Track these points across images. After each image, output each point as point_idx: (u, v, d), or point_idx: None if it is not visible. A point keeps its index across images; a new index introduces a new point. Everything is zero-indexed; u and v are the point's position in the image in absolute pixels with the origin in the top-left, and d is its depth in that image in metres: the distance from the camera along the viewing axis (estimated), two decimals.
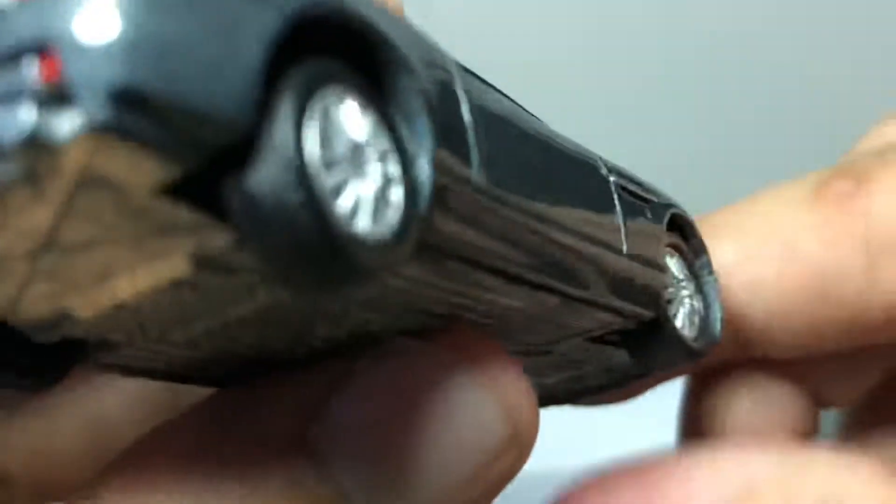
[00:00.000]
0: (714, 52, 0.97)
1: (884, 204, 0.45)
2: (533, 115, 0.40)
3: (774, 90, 0.97)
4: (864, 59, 0.96)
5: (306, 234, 0.24)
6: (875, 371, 0.52)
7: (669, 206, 0.43)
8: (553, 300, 0.37)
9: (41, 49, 0.22)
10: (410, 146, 0.28)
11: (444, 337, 0.36)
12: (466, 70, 0.35)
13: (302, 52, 0.26)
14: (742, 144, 0.98)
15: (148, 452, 0.36)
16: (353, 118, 0.27)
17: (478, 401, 0.35)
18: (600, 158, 0.40)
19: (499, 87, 0.38)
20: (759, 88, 0.97)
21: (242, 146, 0.24)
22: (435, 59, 0.31)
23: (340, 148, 0.26)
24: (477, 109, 0.32)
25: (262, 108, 0.25)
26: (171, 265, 0.27)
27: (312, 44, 0.27)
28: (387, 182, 0.27)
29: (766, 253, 0.47)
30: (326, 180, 0.25)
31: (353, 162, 0.26)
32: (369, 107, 0.27)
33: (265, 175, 0.24)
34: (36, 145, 0.23)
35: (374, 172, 0.27)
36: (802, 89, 0.97)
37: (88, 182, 0.24)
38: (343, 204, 0.26)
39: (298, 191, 0.24)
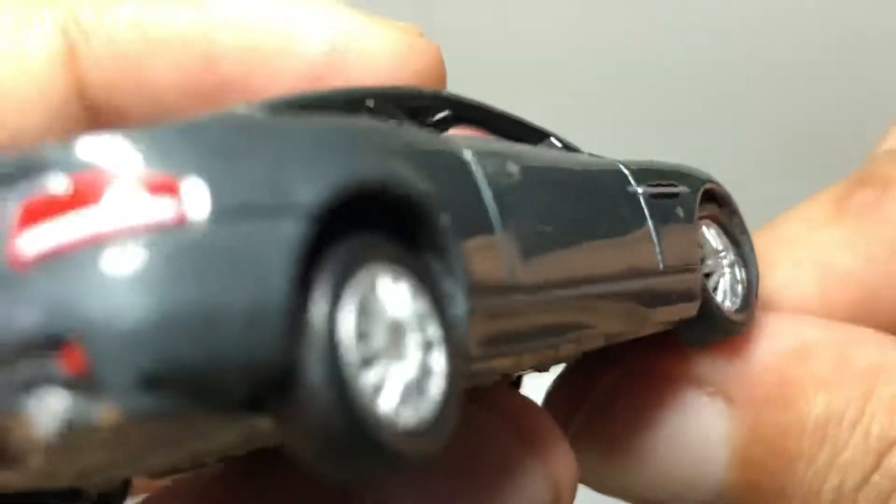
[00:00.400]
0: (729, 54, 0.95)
1: None
2: (548, 133, 0.38)
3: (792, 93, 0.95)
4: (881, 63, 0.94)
5: (352, 446, 0.24)
6: None
7: (700, 184, 0.42)
8: (597, 341, 0.36)
9: (64, 338, 0.21)
10: (446, 285, 0.27)
11: (495, 401, 0.36)
12: (477, 114, 0.33)
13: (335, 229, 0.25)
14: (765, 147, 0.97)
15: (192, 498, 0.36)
16: (390, 295, 0.26)
17: (530, 476, 0.36)
18: (627, 168, 0.38)
19: (508, 112, 0.37)
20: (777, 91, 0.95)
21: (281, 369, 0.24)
22: (454, 167, 0.29)
23: (379, 339, 0.25)
24: (501, 194, 0.31)
25: (296, 326, 0.24)
26: (218, 441, 0.27)
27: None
28: (428, 348, 0.26)
29: (803, 278, 0.46)
30: (366, 382, 0.24)
31: (393, 345, 0.25)
32: (403, 272, 0.26)
33: (304, 386, 0.24)
34: (72, 428, 0.22)
35: (414, 347, 0.26)
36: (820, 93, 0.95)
37: (130, 429, 0.23)
38: (385, 404, 0.25)
39: (340, 409, 0.24)
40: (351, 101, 0.32)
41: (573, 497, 0.37)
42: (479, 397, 0.36)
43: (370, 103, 0.32)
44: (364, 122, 0.28)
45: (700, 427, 0.41)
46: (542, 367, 0.39)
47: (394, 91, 0.34)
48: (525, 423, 0.37)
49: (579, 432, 0.41)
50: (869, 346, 0.42)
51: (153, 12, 0.37)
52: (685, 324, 0.40)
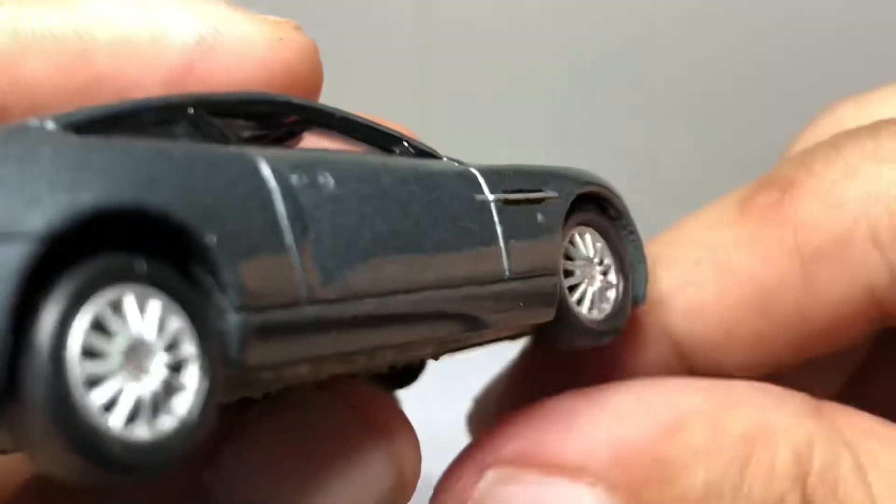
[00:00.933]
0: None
1: (811, 210, 0.44)
2: (401, 138, 0.39)
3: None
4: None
5: (75, 459, 0.25)
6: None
7: (574, 189, 0.42)
8: (428, 348, 0.37)
9: None
10: (215, 301, 0.29)
11: (341, 388, 0.38)
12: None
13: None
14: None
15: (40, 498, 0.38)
16: (134, 314, 0.27)
17: (371, 455, 0.37)
18: (483, 174, 0.39)
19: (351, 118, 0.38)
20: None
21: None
22: (242, 182, 0.30)
23: (115, 358, 0.26)
24: (301, 208, 0.31)
25: (21, 346, 0.25)
26: None
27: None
28: (179, 365, 0.28)
29: (702, 277, 0.46)
30: (92, 400, 0.26)
31: (133, 363, 0.27)
32: (156, 290, 0.28)
33: (27, 403, 0.25)
34: None
35: (157, 365, 0.27)
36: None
37: None
38: (114, 420, 0.26)
39: (60, 425, 0.25)
40: (168, 109, 0.33)
41: (416, 480, 0.39)
42: (322, 385, 0.37)
43: (191, 111, 0.34)
44: (133, 141, 0.29)
45: None
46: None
47: (220, 97, 0.35)
48: (368, 407, 0.38)
49: None
50: (746, 408, 0.41)
51: (26, 14, 0.39)
52: (546, 330, 0.41)
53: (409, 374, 0.47)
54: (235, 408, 0.37)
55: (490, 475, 0.41)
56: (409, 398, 0.46)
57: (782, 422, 0.41)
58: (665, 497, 0.40)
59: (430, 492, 0.42)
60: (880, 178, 0.43)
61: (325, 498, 0.37)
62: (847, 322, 0.44)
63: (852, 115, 0.50)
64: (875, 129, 0.45)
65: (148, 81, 0.39)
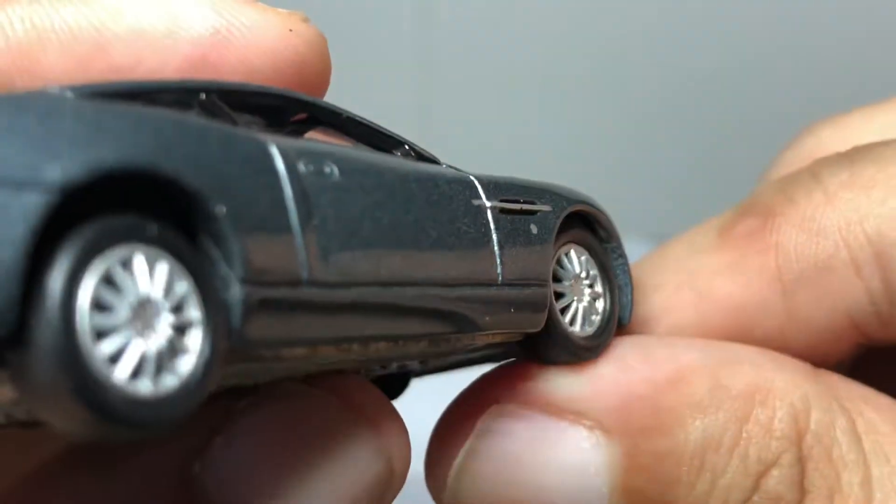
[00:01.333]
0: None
1: (792, 237, 0.45)
2: (402, 141, 0.40)
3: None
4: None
5: (77, 409, 0.26)
6: None
7: (566, 205, 0.43)
8: (420, 344, 0.38)
9: None
10: (219, 271, 0.29)
11: (329, 381, 0.38)
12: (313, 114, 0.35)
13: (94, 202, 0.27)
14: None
15: (37, 489, 0.38)
16: (144, 273, 0.28)
17: (360, 445, 0.38)
18: (480, 181, 0.40)
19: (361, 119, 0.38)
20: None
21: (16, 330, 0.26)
22: (252, 162, 0.31)
23: (122, 312, 0.27)
24: (307, 192, 0.32)
25: (32, 292, 0.26)
26: None
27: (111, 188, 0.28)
28: (184, 328, 0.28)
29: (683, 302, 0.47)
30: (98, 351, 0.26)
31: (140, 320, 0.27)
32: (165, 253, 0.28)
33: (34, 349, 0.26)
34: None
35: (164, 325, 0.28)
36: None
37: None
38: (119, 373, 0.27)
39: (65, 373, 0.26)
40: (183, 92, 0.34)
41: (406, 471, 0.39)
42: (311, 379, 0.38)
43: (203, 97, 0.35)
44: (151, 110, 0.30)
45: (580, 459, 0.41)
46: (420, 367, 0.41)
47: (234, 86, 0.36)
48: (356, 398, 0.39)
49: (462, 473, 0.43)
50: (746, 366, 0.43)
51: (43, 6, 0.40)
52: (534, 344, 0.42)
53: (394, 387, 0.48)
54: (225, 399, 0.37)
55: (493, 410, 0.42)
56: (400, 400, 0.46)
57: (781, 382, 0.42)
58: (660, 447, 0.41)
59: (421, 491, 0.43)
60: (859, 205, 0.44)
61: (315, 487, 0.37)
62: (828, 345, 0.46)
63: (831, 136, 0.51)
64: (852, 155, 0.46)
65: (163, 73, 0.40)
